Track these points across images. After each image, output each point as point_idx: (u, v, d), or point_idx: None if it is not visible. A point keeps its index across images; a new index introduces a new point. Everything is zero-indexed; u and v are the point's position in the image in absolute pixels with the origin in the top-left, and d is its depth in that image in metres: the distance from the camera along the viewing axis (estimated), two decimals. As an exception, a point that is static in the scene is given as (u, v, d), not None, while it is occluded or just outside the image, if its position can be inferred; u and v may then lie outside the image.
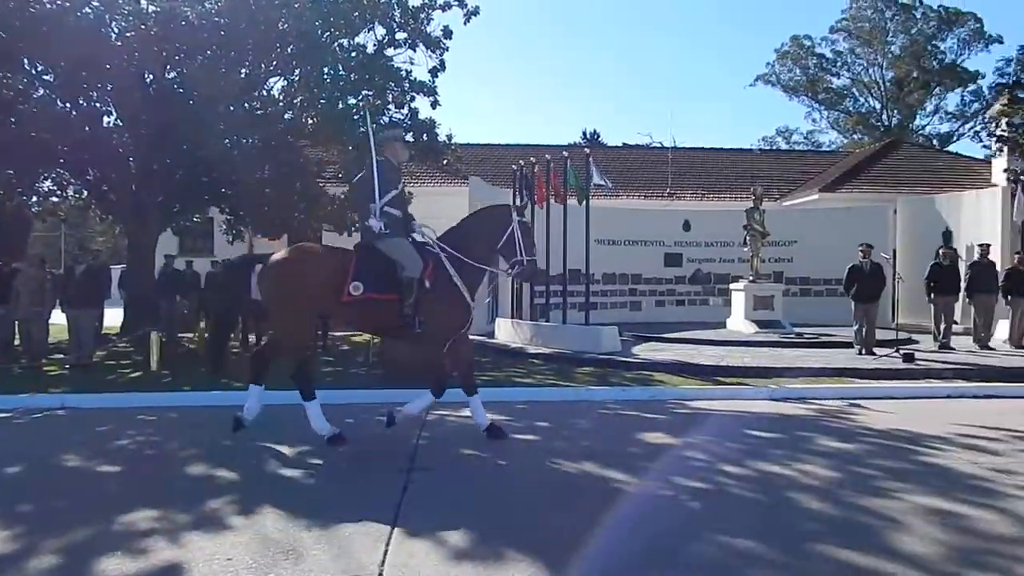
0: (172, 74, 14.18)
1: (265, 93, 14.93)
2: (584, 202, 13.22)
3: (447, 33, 14.41)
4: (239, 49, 13.38)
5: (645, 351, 12.61)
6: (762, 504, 5.07)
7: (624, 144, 38.55)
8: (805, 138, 57.33)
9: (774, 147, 48.22)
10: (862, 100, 57.02)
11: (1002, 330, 14.07)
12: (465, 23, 14.57)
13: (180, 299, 14.82)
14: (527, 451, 6.53)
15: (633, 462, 6.10)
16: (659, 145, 33.38)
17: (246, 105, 14.09)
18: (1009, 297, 13.83)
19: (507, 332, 14.33)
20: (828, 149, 49.83)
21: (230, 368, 7.94)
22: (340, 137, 14.17)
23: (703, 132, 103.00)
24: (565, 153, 13.79)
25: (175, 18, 12.42)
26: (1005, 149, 20.78)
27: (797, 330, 15.40)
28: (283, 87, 14.78)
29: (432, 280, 6.47)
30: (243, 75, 13.98)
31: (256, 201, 14.54)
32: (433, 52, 14.40)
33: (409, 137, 14.66)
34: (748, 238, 16.27)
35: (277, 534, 4.38)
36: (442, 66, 14.48)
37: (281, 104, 14.69)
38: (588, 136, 57.83)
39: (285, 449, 6.46)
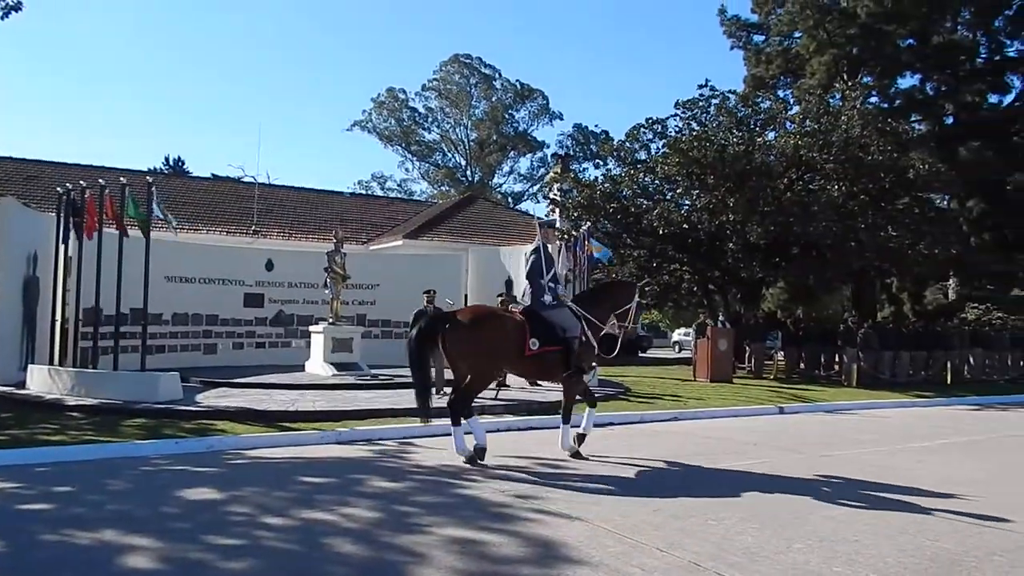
0: None
1: None
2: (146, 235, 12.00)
3: (-26, 26, 12.15)
4: None
5: (211, 398, 11.70)
6: (296, 554, 4.88)
7: (213, 175, 36.63)
8: (399, 186, 60.82)
9: (369, 192, 50.02)
10: (450, 155, 62.40)
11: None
12: (3, 17, 12.45)
13: None
14: (33, 523, 5.45)
15: (166, 524, 5.47)
16: (250, 179, 32.31)
17: None
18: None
19: (42, 381, 12.01)
20: (419, 198, 53.31)
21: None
22: None
23: (301, 170, 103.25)
24: (123, 179, 12.36)
25: None
26: (557, 210, 24.03)
27: (374, 372, 15.73)
28: None
29: (584, 336, 8.22)
30: None
31: None
32: (-45, 46, 12.00)
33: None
34: (329, 280, 16.34)
35: None
36: (-35, 63, 12.12)
37: None
38: (171, 163, 53.97)
39: None
